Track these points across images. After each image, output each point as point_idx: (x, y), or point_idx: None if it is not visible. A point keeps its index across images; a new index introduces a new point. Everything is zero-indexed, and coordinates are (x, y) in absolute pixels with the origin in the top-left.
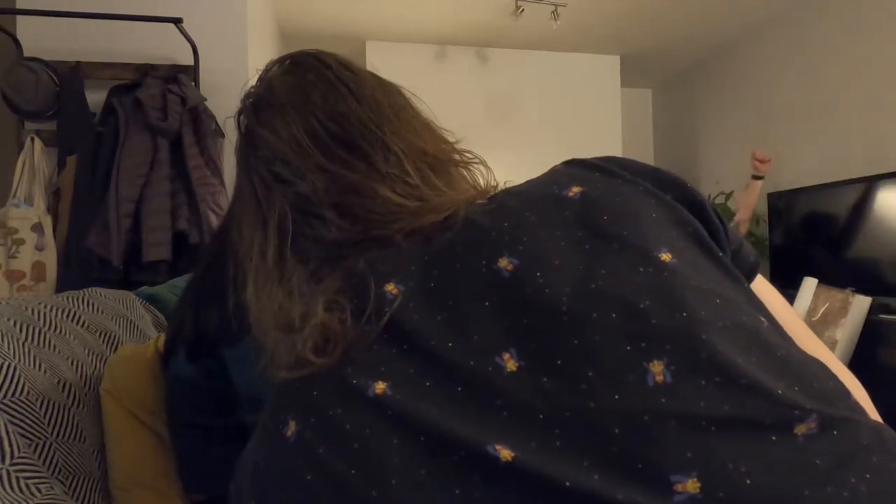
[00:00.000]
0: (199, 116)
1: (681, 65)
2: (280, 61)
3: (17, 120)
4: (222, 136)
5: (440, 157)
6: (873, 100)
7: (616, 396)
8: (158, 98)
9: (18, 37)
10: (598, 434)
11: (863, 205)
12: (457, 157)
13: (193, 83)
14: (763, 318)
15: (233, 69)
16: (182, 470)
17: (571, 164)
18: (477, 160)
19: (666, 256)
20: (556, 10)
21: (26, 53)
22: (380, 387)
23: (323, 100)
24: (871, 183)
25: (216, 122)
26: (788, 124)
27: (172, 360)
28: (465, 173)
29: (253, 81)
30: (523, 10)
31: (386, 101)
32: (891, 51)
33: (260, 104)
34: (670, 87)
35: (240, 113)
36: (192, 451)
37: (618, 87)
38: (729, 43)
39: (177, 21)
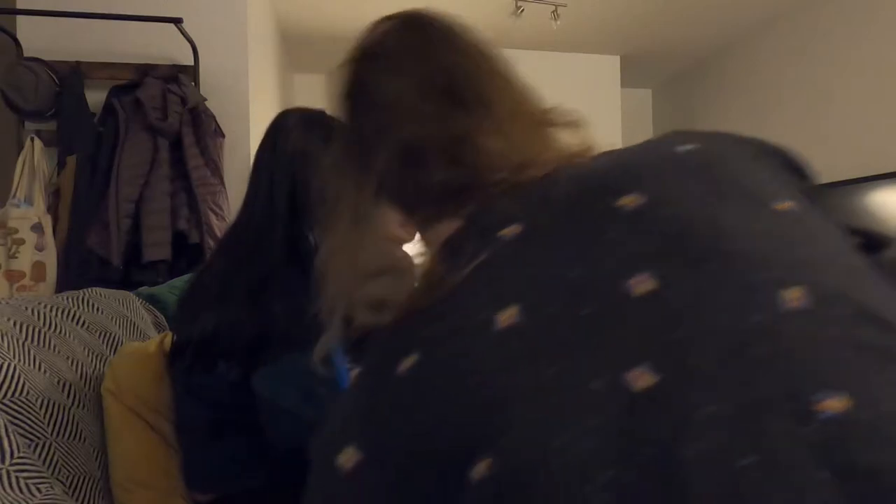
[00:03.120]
0: (199, 116)
1: (681, 65)
2: (389, 19)
3: (17, 120)
4: (222, 136)
5: (542, 118)
6: (873, 100)
7: (754, 319)
8: (158, 98)
9: (18, 37)
10: (736, 357)
11: (862, 205)
12: (556, 118)
13: (193, 83)
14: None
15: (233, 69)
16: (187, 469)
17: (676, 132)
18: (576, 123)
19: (788, 205)
20: (556, 10)
21: (26, 53)
22: (503, 318)
23: (435, 52)
24: (870, 183)
25: (216, 123)
26: (788, 124)
27: (204, 367)
28: (563, 136)
29: (253, 79)
30: (523, 10)
31: (493, 61)
32: (891, 51)
33: (373, 53)
34: (670, 87)
35: (346, 62)
36: (199, 450)
37: (618, 88)
38: (729, 43)
39: (177, 21)
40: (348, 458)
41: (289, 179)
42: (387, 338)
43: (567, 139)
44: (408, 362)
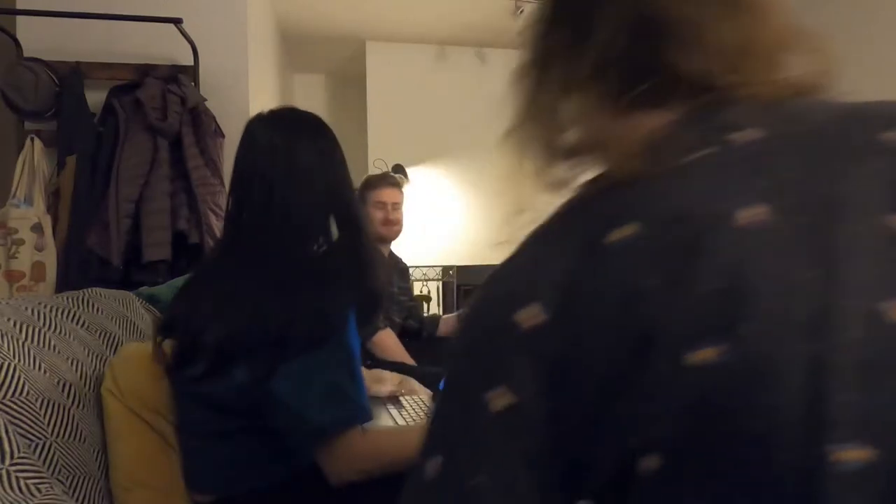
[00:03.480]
0: (198, 116)
1: None
2: None
3: (17, 120)
4: (222, 136)
5: (791, 37)
6: (873, 100)
7: None
8: (158, 98)
9: (18, 37)
10: None
11: None
12: (803, 42)
13: (193, 83)
14: None
15: (233, 69)
16: (187, 469)
17: None
18: (823, 52)
19: None
20: None
21: (26, 53)
22: (747, 214)
23: None
24: None
25: (216, 123)
26: None
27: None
28: (803, 61)
29: (253, 79)
30: (523, 10)
31: None
32: (891, 51)
33: None
34: None
35: None
36: (200, 451)
37: None
38: None
39: (177, 21)
40: (531, 315)
41: (301, 189)
42: (591, 201)
43: (806, 65)
44: (622, 232)
